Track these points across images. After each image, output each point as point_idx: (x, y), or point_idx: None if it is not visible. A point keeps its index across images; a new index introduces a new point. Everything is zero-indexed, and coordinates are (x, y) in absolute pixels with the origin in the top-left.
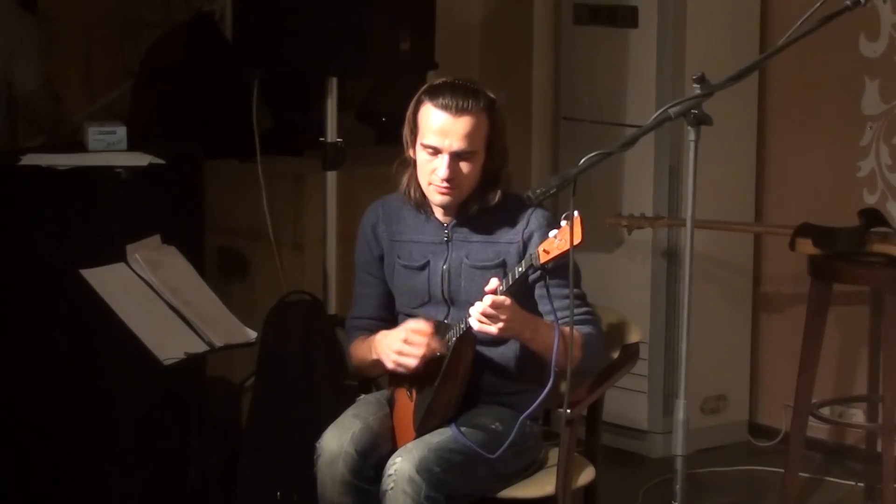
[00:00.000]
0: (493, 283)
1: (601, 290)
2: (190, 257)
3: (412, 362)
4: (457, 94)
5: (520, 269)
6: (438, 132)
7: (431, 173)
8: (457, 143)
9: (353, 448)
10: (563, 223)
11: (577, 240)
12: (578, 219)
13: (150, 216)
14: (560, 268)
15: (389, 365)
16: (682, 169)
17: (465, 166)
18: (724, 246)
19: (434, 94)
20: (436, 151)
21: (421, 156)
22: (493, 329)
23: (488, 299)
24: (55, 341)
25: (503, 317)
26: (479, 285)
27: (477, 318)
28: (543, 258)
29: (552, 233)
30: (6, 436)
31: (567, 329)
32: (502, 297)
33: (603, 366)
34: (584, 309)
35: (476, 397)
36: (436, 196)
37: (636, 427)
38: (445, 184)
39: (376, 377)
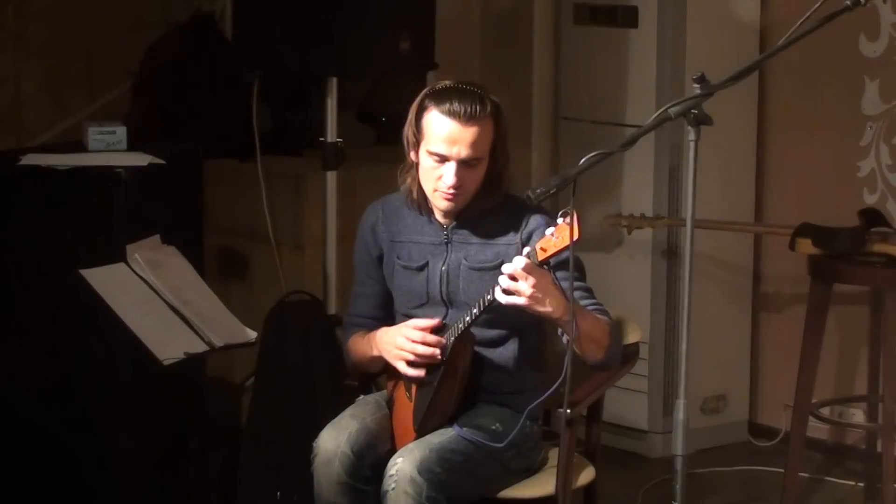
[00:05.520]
0: (526, 250)
1: (601, 290)
2: (190, 257)
3: (410, 357)
4: (464, 101)
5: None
6: (446, 140)
7: (437, 180)
8: (465, 151)
9: (349, 448)
10: (560, 220)
11: (575, 236)
12: (576, 216)
13: (150, 216)
14: (566, 261)
15: (393, 361)
16: (682, 169)
17: (471, 173)
18: (724, 246)
19: (440, 99)
20: (443, 159)
21: (426, 161)
22: (521, 299)
23: (519, 261)
24: (55, 341)
25: (531, 281)
26: (477, 287)
27: (504, 284)
28: (541, 256)
29: (548, 231)
30: (6, 435)
31: (599, 318)
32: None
33: (619, 359)
34: (594, 300)
35: (475, 397)
36: (441, 202)
37: (636, 427)
38: (452, 190)
39: (375, 374)
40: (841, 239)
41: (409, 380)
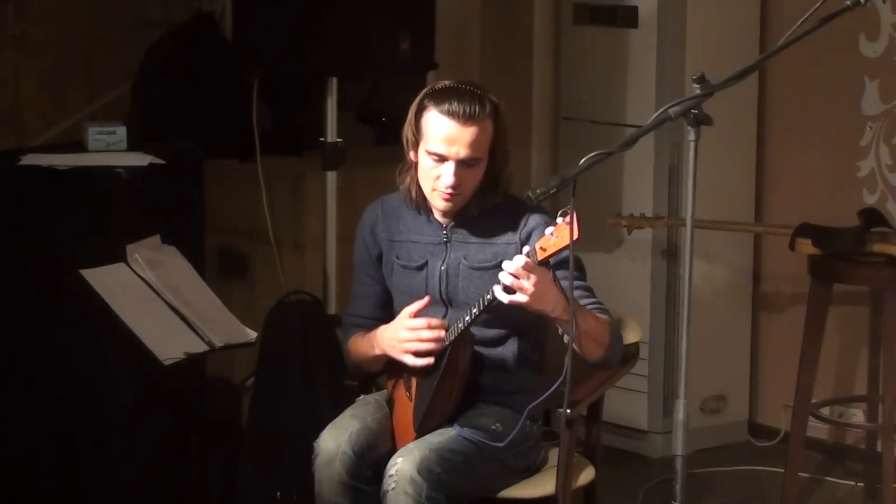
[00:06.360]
0: (526, 249)
1: (601, 290)
2: (190, 257)
3: (417, 347)
4: (463, 101)
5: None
6: (445, 140)
7: (436, 180)
8: (463, 151)
9: (350, 448)
10: (559, 220)
11: (574, 235)
12: (575, 215)
13: (150, 216)
14: (566, 261)
15: (399, 356)
16: (682, 169)
17: (470, 173)
18: (724, 246)
19: (439, 99)
20: (441, 158)
21: (425, 161)
22: (523, 297)
23: (520, 259)
24: (55, 341)
25: (532, 279)
26: (476, 286)
27: (506, 281)
28: (541, 255)
29: (548, 230)
30: (6, 435)
31: (598, 316)
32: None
33: (620, 358)
34: (594, 299)
35: (475, 397)
36: (439, 202)
37: (636, 427)
38: (450, 190)
39: (375, 374)
40: (841, 239)
41: (416, 372)
